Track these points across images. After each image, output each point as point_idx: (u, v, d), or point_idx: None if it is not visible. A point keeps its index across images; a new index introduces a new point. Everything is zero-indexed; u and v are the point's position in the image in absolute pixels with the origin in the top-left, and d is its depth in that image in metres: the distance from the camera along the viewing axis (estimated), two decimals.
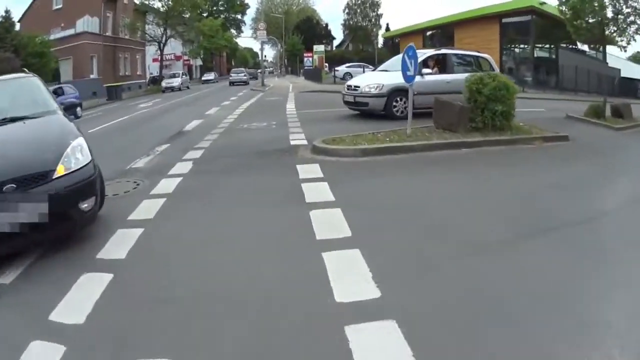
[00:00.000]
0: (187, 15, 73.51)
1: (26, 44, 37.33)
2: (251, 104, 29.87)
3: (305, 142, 13.92)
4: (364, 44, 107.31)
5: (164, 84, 58.64)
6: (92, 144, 7.17)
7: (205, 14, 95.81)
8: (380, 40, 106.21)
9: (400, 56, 15.01)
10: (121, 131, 21.08)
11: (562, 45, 48.32)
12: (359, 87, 18.68)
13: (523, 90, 34.45)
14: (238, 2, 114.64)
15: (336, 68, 59.38)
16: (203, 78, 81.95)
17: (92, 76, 53.64)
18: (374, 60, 70.16)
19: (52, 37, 49.53)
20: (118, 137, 18.86)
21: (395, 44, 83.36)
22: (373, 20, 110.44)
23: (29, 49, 36.90)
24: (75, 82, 45.90)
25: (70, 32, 53.70)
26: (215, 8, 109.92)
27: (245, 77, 65.67)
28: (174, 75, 63.12)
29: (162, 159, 13.08)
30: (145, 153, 13.82)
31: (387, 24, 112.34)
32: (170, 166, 11.66)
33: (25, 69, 10.21)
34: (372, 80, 18.64)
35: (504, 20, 50.65)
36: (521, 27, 50.50)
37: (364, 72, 36.15)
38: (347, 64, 59.74)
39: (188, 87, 59.95)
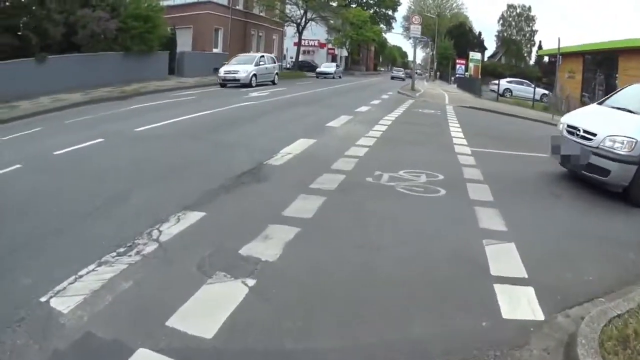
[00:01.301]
0: (335, 4, 68.36)
1: (128, 5, 31.48)
2: (397, 117, 20.57)
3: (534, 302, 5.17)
4: (516, 58, 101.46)
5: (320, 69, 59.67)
6: None
7: (353, 6, 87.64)
8: (533, 57, 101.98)
9: None
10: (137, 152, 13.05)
11: None
12: (595, 135, 9.81)
13: None
14: None
15: (495, 81, 50.30)
16: (318, 70, 60.05)
17: (215, 50, 47.92)
18: (524, 76, 61.77)
19: (172, 2, 45.03)
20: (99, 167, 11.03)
21: (552, 63, 73.46)
22: (527, 35, 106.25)
23: (130, 10, 30.92)
24: (193, 53, 42.02)
25: (193, 0, 48.41)
26: (365, 1, 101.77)
27: (403, 75, 79.46)
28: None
29: None
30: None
31: (540, 42, 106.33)
32: None
33: None
34: (620, 128, 9.73)
35: None
36: None
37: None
38: (508, 79, 50.48)
39: (340, 77, 59.73)
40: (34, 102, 20.59)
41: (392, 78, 77.32)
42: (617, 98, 11.63)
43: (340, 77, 59.42)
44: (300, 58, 74.26)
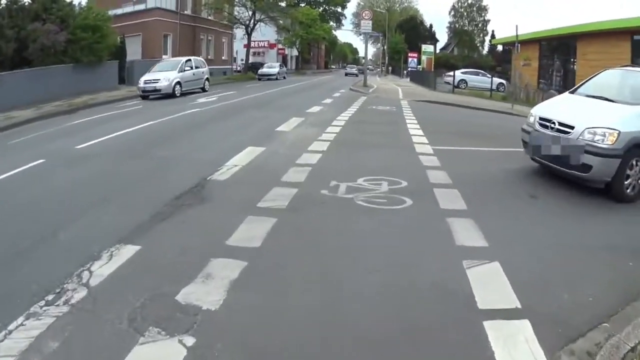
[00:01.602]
0: (284, 4, 67.23)
1: (75, 16, 30.61)
2: (351, 116, 19.42)
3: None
4: (469, 49, 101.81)
5: (262, 70, 56.05)
6: None
7: (302, 4, 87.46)
8: (486, 47, 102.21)
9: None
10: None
11: None
12: (573, 128, 8.95)
13: None
14: None
15: (449, 73, 49.48)
16: (260, 72, 55.51)
17: (164, 57, 45.41)
18: (478, 66, 61.80)
19: (120, 11, 43.93)
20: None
21: (506, 51, 73.74)
22: (480, 25, 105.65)
23: (79, 21, 30.09)
24: (142, 62, 39.87)
25: (141, 7, 47.02)
26: None
27: (356, 71, 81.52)
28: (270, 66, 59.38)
29: None
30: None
31: (493, 31, 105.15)
32: None
33: None
34: (600, 118, 8.90)
35: (637, 37, 39.89)
36: None
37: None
38: (462, 70, 49.60)
39: (284, 78, 56.95)
40: None
41: (347, 75, 79.86)
42: (591, 85, 10.80)
43: (284, 77, 57.67)
44: (251, 60, 73.10)
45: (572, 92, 11.01)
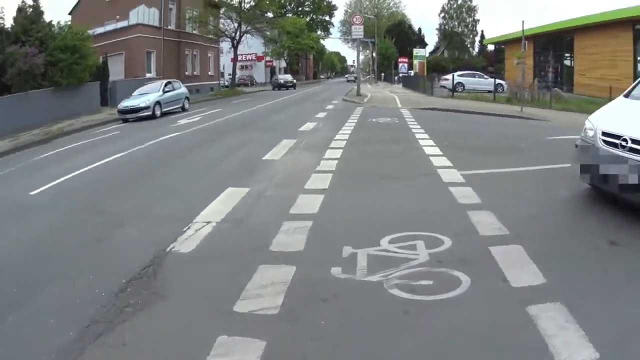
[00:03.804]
0: (271, 15, 64.58)
1: (55, 36, 29.06)
2: (351, 133, 16.58)
3: None
4: (459, 50, 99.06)
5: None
6: None
7: (289, 15, 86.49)
8: (476, 48, 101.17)
9: None
10: None
11: None
12: None
13: None
14: (325, 4, 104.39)
15: (445, 77, 46.85)
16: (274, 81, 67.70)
17: (148, 75, 43.56)
18: (470, 68, 58.96)
19: (102, 29, 42.37)
20: None
21: (498, 51, 72.08)
22: (469, 25, 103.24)
23: (57, 42, 28.46)
24: (124, 82, 37.82)
25: (124, 24, 44.65)
26: (300, 9, 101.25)
27: (353, 78, 70.97)
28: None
29: None
30: None
31: (482, 31, 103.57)
32: None
33: None
34: None
35: (638, 26, 38.23)
36: None
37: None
38: (459, 72, 46.38)
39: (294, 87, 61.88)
40: None
41: (348, 81, 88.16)
42: None
43: (294, 87, 62.67)
44: (239, 74, 70.85)
45: (628, 96, 8.45)
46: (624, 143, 6.80)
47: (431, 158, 11.78)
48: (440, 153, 12.34)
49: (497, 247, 5.87)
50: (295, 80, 65.15)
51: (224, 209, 8.05)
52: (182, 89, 31.41)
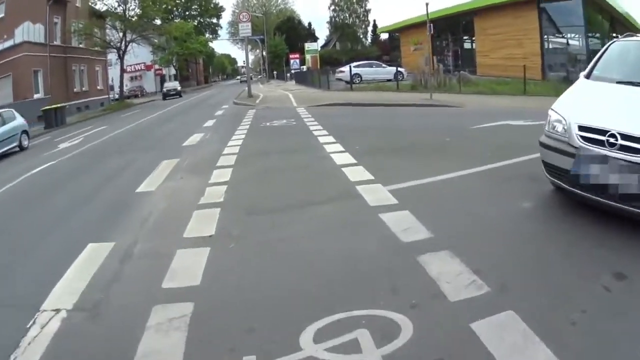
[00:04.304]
0: (158, 22, 61.63)
1: None
2: (242, 144, 13.93)
3: None
4: (352, 42, 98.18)
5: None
6: None
7: (177, 20, 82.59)
8: (369, 38, 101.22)
9: None
10: None
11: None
12: None
13: None
14: (212, 6, 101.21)
15: (341, 69, 45.02)
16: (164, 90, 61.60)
17: (36, 95, 39.84)
18: (365, 58, 57.62)
19: None
20: None
21: (392, 39, 72.76)
22: (361, 16, 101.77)
23: None
24: (15, 104, 32.60)
25: (9, 43, 39.92)
26: (187, 13, 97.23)
27: (179, 89, 62.11)
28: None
29: None
30: None
31: (375, 21, 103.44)
32: None
33: None
34: None
35: (543, 4, 39.02)
36: (567, 12, 38.39)
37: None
38: (355, 63, 44.13)
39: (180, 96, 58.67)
40: None
41: (241, 82, 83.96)
42: (612, 66, 7.04)
43: (180, 95, 58.94)
44: (129, 85, 67.33)
45: (590, 77, 6.96)
46: (612, 140, 5.20)
47: (345, 170, 9.34)
48: (354, 161, 9.98)
49: (485, 327, 3.57)
50: (179, 88, 61.48)
51: (79, 284, 5.31)
52: (17, 121, 22.30)
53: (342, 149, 11.50)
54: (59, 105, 34.77)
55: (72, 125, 31.62)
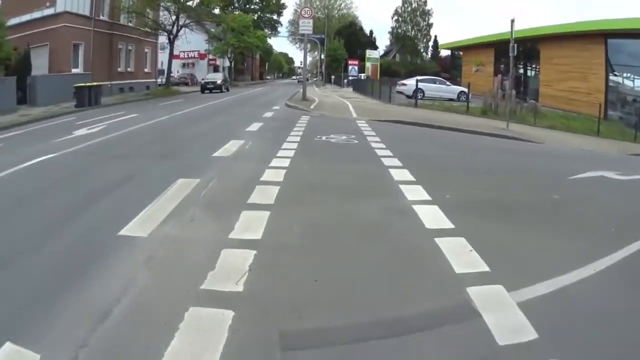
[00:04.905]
0: (217, 11, 59.35)
1: None
2: (288, 171, 10.14)
3: None
4: (412, 55, 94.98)
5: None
6: None
7: (236, 12, 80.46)
8: (429, 53, 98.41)
9: None
10: None
11: None
12: None
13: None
14: (274, 1, 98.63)
15: (403, 81, 41.57)
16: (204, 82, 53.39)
17: (75, 70, 37.48)
18: (423, 73, 54.74)
19: (28, 17, 35.76)
20: None
21: (453, 57, 72.94)
22: (423, 30, 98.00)
23: None
24: (47, 77, 32.56)
25: (49, 12, 37.30)
26: (248, 6, 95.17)
27: (219, 83, 53.17)
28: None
29: None
30: None
31: (436, 36, 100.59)
32: None
33: None
34: None
35: (611, 40, 36.84)
36: (627, 51, 36.24)
37: None
38: (419, 77, 40.48)
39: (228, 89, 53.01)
40: None
41: (299, 82, 74.27)
42: None
43: (227, 89, 52.96)
44: (180, 72, 65.22)
45: None
46: None
47: (441, 244, 5.87)
48: (451, 225, 6.58)
49: None
50: (219, 81, 53.24)
51: None
52: None
53: (427, 196, 8.09)
54: (94, 83, 32.25)
55: (106, 107, 29.10)
